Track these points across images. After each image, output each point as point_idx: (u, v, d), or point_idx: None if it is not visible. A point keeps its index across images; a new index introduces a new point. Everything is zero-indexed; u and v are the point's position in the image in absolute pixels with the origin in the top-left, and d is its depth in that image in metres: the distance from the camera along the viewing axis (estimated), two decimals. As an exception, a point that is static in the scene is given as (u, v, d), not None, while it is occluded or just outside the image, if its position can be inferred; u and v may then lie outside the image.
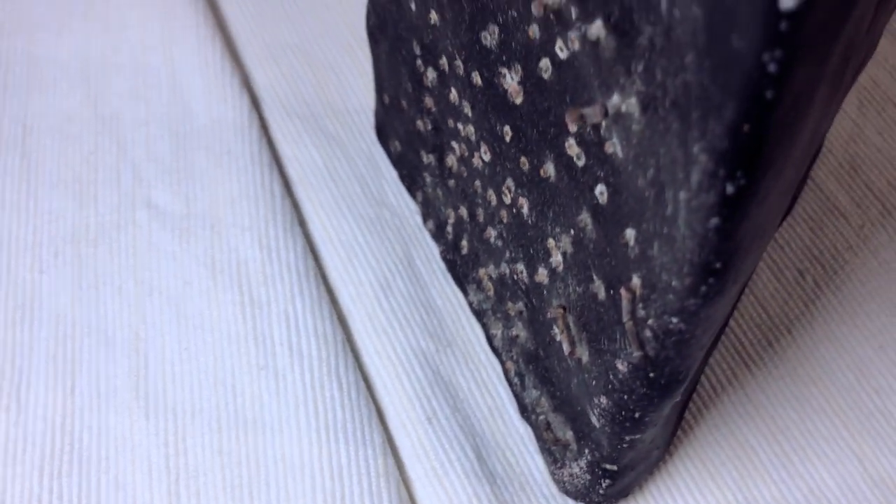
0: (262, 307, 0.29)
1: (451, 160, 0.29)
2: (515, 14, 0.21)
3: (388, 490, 0.26)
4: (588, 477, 0.24)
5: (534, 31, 0.20)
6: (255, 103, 0.34)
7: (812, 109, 0.14)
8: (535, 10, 0.19)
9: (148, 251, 0.30)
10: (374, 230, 0.32)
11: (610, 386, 0.20)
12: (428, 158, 0.30)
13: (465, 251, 0.30)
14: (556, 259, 0.22)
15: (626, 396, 0.19)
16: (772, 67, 0.13)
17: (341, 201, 0.32)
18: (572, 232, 0.21)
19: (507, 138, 0.24)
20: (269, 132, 0.34)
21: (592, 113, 0.17)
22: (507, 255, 0.26)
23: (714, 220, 0.15)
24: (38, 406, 0.27)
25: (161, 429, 0.27)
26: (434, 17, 0.25)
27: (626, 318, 0.18)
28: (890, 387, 0.28)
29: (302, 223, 0.32)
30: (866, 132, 0.34)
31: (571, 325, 0.22)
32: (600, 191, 0.19)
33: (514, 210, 0.25)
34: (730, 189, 0.14)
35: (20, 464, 0.26)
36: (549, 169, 0.22)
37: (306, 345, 0.28)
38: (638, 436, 0.21)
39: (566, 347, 0.21)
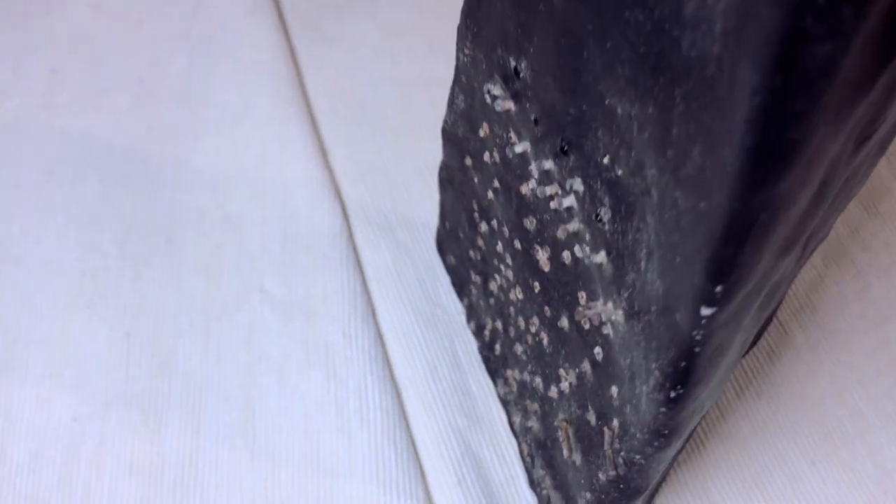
0: (342, 382, 0.38)
1: (493, 285, 0.38)
2: (548, 217, 0.30)
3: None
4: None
5: (560, 232, 0.29)
6: (345, 213, 0.44)
7: (732, 349, 0.23)
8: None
9: (258, 328, 0.40)
10: (429, 325, 0.41)
11: (592, 487, 0.29)
12: (475, 278, 0.40)
13: (497, 353, 0.39)
14: (564, 385, 0.31)
15: (603, 496, 0.28)
16: (698, 336, 0.22)
17: (406, 299, 0.41)
18: (577, 371, 0.30)
19: (536, 290, 0.33)
20: (354, 238, 0.43)
21: (593, 314, 0.26)
22: (529, 367, 0.35)
23: (662, 409, 0.24)
24: (172, 441, 0.37)
25: (262, 468, 0.36)
26: (491, 194, 0.34)
27: (606, 446, 0.27)
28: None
29: (374, 315, 0.41)
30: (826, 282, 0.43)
31: (570, 435, 0.31)
32: (598, 351, 0.28)
33: (537, 339, 0.34)
34: (672, 394, 0.23)
35: (158, 485, 0.36)
36: (564, 322, 0.31)
37: (373, 415, 0.38)
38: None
39: (565, 452, 0.31)
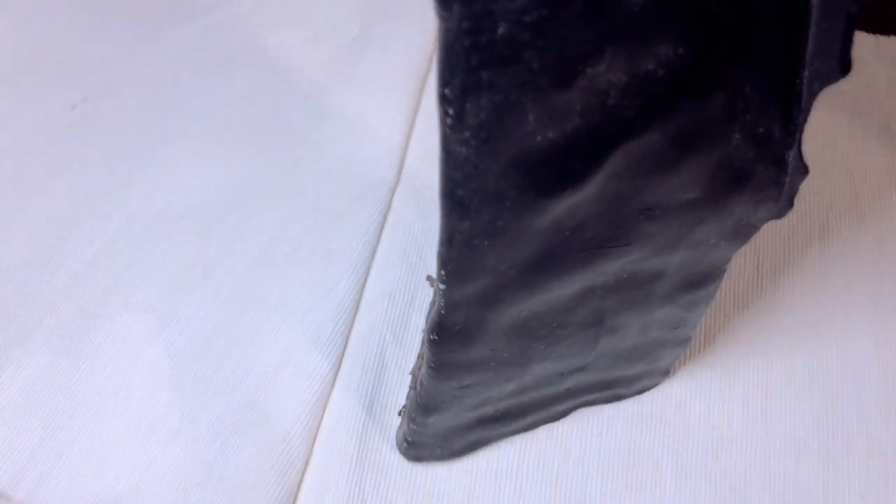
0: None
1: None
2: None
3: None
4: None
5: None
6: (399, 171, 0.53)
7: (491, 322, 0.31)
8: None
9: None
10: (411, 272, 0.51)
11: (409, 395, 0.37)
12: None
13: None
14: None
15: (412, 405, 0.35)
16: (443, 308, 0.30)
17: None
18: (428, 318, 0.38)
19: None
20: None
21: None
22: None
23: (428, 347, 0.31)
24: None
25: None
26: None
27: (416, 370, 0.36)
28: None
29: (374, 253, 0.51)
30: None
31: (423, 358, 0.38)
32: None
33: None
34: (432, 337, 0.30)
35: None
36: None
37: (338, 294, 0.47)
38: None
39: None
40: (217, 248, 0.41)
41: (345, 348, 0.38)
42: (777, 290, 0.40)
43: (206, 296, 0.39)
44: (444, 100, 0.18)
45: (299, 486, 0.34)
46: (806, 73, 0.20)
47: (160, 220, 0.41)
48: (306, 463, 0.35)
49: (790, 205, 0.24)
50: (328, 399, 0.36)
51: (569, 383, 0.32)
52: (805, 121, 0.22)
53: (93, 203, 0.42)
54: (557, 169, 0.20)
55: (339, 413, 0.36)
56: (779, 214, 0.25)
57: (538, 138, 0.19)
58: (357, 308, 0.39)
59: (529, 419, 0.34)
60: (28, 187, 0.42)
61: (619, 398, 0.36)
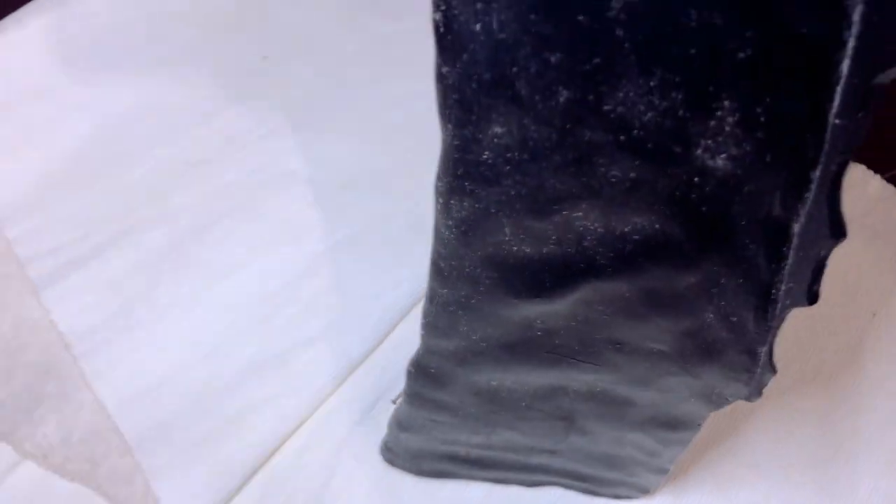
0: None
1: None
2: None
3: None
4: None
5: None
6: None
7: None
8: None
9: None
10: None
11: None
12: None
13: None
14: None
15: None
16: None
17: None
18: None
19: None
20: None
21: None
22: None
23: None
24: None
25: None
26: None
27: None
28: None
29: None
30: None
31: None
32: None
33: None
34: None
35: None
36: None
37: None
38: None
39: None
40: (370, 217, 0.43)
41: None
42: (772, 421, 0.39)
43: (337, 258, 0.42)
44: (436, 188, 0.21)
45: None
46: (783, 286, 0.21)
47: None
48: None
49: (759, 394, 0.25)
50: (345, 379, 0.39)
51: (539, 459, 0.34)
52: (779, 327, 0.23)
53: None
54: (529, 279, 0.22)
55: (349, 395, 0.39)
56: (748, 399, 0.26)
57: (514, 248, 0.21)
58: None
59: (501, 474, 0.37)
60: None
61: (593, 494, 0.38)
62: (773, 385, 0.26)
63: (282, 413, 0.36)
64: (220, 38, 0.47)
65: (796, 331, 0.41)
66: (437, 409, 0.30)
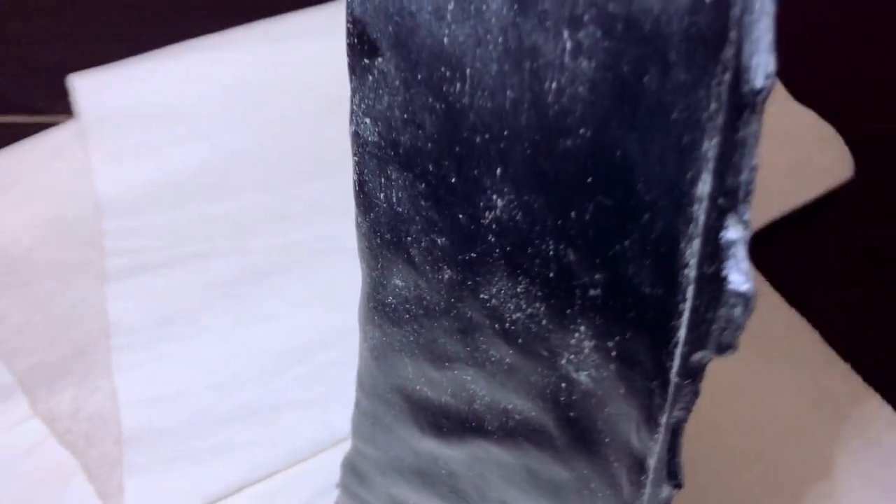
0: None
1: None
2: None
3: None
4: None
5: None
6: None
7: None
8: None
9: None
10: None
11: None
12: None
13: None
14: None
15: None
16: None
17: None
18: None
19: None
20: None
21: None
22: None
23: None
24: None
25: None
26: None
27: None
28: None
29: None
30: None
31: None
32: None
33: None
34: None
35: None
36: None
37: None
38: None
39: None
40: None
41: None
42: None
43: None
44: (358, 311, 0.23)
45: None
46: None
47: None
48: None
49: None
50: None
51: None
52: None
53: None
54: (431, 419, 0.24)
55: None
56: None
57: (416, 387, 0.23)
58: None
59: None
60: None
61: None
62: None
63: (255, 461, 0.39)
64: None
65: None
66: (363, 506, 0.32)
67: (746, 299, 0.15)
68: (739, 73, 0.14)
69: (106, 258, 0.44)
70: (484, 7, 0.15)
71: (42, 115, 0.49)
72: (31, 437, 0.38)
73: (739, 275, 0.15)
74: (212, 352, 0.42)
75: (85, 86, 0.49)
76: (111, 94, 0.49)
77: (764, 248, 0.46)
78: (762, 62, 0.13)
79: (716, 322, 0.16)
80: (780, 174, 0.50)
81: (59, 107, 0.49)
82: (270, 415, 0.40)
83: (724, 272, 0.15)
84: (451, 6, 0.16)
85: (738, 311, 0.15)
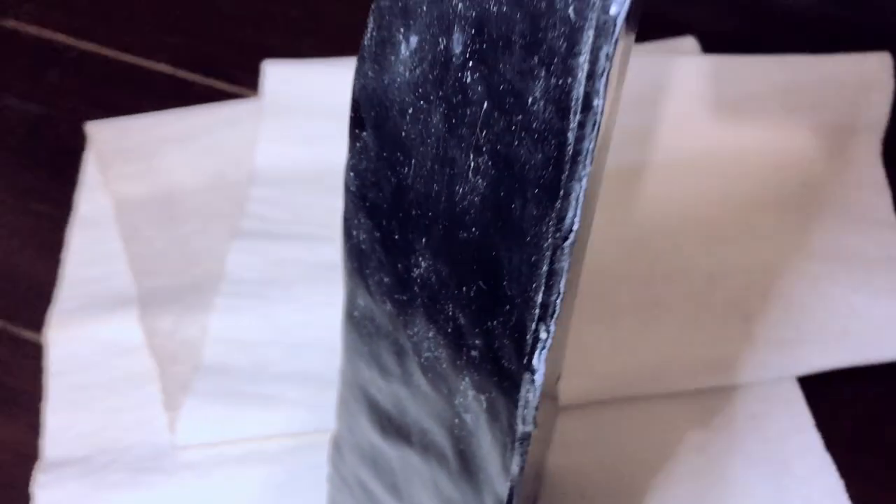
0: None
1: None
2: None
3: None
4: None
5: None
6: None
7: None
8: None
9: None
10: None
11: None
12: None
13: None
14: None
15: None
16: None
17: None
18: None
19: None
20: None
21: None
22: None
23: None
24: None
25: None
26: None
27: None
28: None
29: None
30: None
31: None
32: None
33: None
34: None
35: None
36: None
37: None
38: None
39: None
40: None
41: None
42: None
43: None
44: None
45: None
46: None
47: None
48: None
49: None
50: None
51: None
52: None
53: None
54: (378, 418, 0.29)
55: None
56: None
57: (370, 389, 0.29)
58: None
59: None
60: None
61: None
62: None
63: (296, 418, 0.45)
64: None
65: None
66: (342, 482, 0.38)
67: (537, 386, 0.19)
68: (561, 221, 0.18)
69: (243, 218, 0.52)
70: (429, 118, 0.21)
71: (235, 85, 0.58)
72: (129, 342, 0.46)
73: (540, 364, 0.19)
74: (294, 318, 0.49)
75: (275, 72, 0.57)
76: (294, 85, 0.58)
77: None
78: (576, 217, 0.18)
79: (529, 401, 0.20)
80: None
81: (248, 81, 0.58)
82: (322, 384, 0.47)
83: (533, 361, 0.19)
84: (410, 110, 0.21)
85: (532, 395, 0.19)
